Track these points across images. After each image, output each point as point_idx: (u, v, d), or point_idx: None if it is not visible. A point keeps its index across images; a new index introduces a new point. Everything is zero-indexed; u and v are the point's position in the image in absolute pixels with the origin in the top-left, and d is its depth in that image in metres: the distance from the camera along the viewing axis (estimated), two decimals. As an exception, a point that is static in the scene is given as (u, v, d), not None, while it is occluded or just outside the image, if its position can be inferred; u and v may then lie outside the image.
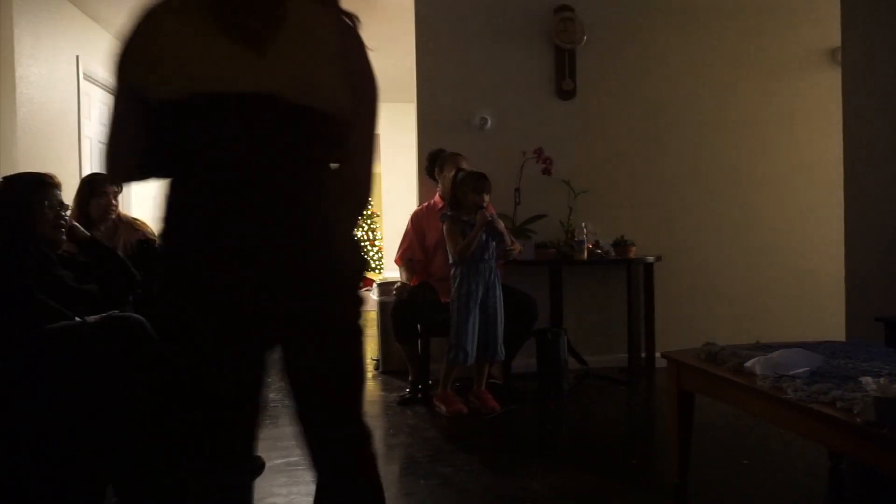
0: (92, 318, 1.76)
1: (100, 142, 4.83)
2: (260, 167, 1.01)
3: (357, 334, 1.13)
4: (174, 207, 1.08)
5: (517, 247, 3.28)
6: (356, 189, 1.15)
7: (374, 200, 8.80)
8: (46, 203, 1.98)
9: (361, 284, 1.17)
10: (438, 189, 3.52)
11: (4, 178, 2.06)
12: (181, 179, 1.07)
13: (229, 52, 0.99)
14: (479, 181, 3.04)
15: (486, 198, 3.05)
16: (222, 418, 1.10)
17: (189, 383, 1.07)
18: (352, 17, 1.12)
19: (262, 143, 1.01)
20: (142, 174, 1.15)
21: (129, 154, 1.10)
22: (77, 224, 2.16)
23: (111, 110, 1.11)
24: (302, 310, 1.05)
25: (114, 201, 2.97)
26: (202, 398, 1.06)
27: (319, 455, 1.13)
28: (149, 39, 1.02)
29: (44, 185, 2.00)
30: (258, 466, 1.93)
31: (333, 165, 1.11)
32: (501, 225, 3.10)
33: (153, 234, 3.16)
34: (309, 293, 1.05)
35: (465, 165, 3.32)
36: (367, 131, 1.15)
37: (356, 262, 1.17)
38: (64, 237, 2.07)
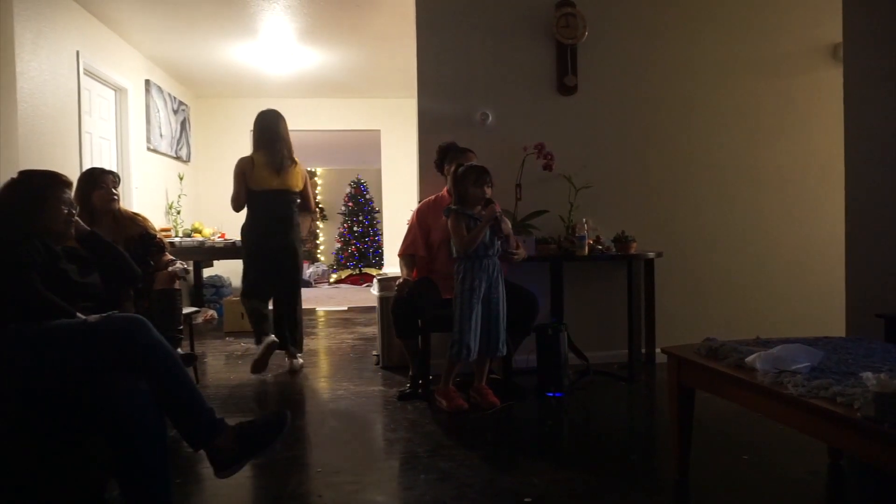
0: (93, 318, 1.76)
1: (100, 137, 4.83)
2: (279, 210, 3.81)
3: (298, 256, 3.89)
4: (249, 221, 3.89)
5: (522, 252, 3.24)
6: (307, 211, 4.01)
7: (374, 198, 9.20)
8: (61, 199, 2.03)
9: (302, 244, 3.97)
10: (447, 184, 3.51)
11: (20, 172, 2.10)
12: (254, 210, 3.83)
13: (272, 176, 3.75)
14: (479, 174, 3.03)
15: (489, 190, 3.04)
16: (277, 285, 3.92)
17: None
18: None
19: (280, 202, 3.80)
20: (241, 208, 3.86)
21: (240, 202, 3.84)
22: (78, 219, 2.16)
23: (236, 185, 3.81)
24: (287, 249, 3.82)
25: (113, 190, 2.98)
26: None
27: (282, 296, 3.97)
28: (250, 165, 3.77)
29: (59, 182, 2.05)
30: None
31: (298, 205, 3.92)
32: (508, 226, 3.09)
33: (153, 229, 3.17)
34: (290, 246, 3.82)
35: (474, 162, 3.30)
36: (309, 195, 3.97)
37: (299, 240, 3.92)
38: (73, 232, 2.10)
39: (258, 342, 3.75)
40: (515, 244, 3.20)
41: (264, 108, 3.87)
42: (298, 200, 3.88)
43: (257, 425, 1.82)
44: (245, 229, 3.84)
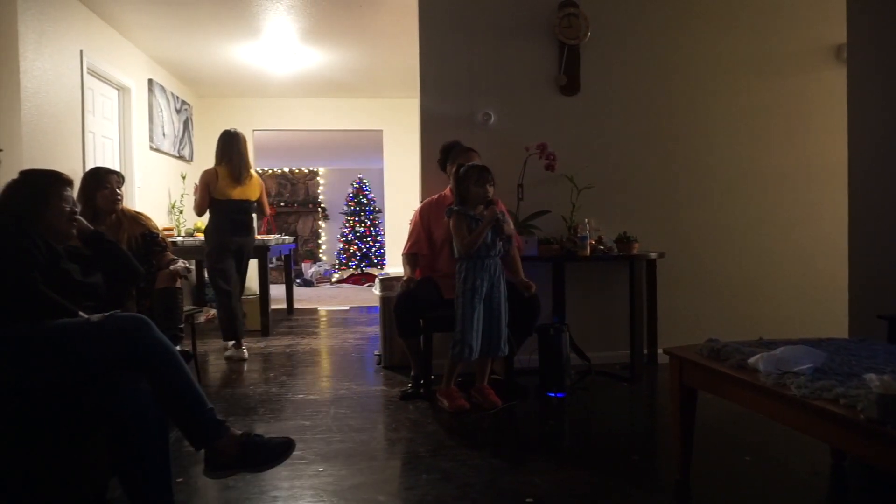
0: (95, 317, 1.76)
1: (103, 136, 4.83)
2: (238, 216, 4.31)
3: (250, 255, 4.52)
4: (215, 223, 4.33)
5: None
6: (261, 215, 4.65)
7: (376, 197, 9.44)
8: (63, 198, 2.03)
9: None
10: (450, 184, 3.51)
11: (22, 171, 2.10)
12: (217, 216, 4.29)
13: (232, 187, 4.25)
14: (480, 174, 3.03)
15: (491, 189, 3.04)
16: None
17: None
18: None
19: (239, 210, 4.29)
20: (202, 214, 4.34)
21: (202, 209, 4.29)
22: (80, 218, 2.17)
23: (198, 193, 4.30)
24: (242, 249, 4.36)
25: (117, 190, 2.98)
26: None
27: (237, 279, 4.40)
28: (214, 177, 4.23)
29: (61, 180, 2.05)
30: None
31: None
32: (511, 227, 3.08)
33: (156, 228, 3.17)
34: (245, 247, 4.40)
35: (477, 162, 3.29)
36: (264, 202, 4.50)
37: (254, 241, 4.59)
38: (75, 232, 2.11)
39: (234, 339, 4.28)
40: (518, 244, 3.20)
41: (227, 128, 4.41)
42: (256, 206, 4.48)
43: (264, 443, 1.84)
44: (209, 231, 4.35)
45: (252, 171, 4.39)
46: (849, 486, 2.19)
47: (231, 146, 4.26)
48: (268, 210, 4.55)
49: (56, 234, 2.03)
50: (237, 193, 4.26)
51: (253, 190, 4.36)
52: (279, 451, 1.85)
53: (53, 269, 1.94)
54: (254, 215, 4.50)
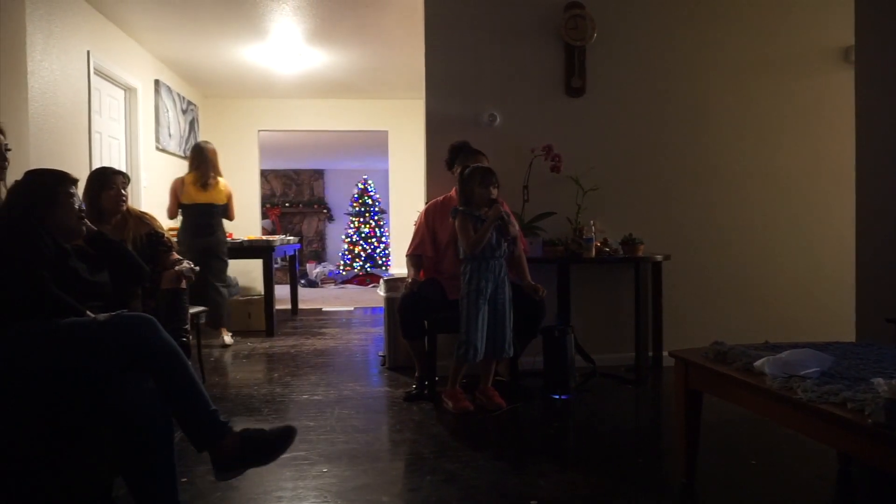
0: (102, 317, 1.76)
1: (110, 136, 4.86)
2: (203, 219, 4.72)
3: (219, 252, 4.84)
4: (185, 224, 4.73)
5: (524, 244, 3.22)
6: (228, 218, 4.91)
7: (381, 198, 9.50)
8: (71, 196, 2.04)
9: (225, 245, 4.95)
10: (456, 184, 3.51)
11: (28, 171, 2.11)
12: (185, 219, 4.76)
13: (199, 192, 4.70)
14: (485, 175, 3.03)
15: (495, 191, 3.03)
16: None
17: None
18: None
19: (204, 213, 4.72)
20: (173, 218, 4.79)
21: (173, 213, 4.80)
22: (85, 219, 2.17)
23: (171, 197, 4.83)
24: (209, 249, 4.70)
25: (123, 192, 2.99)
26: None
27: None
28: (182, 186, 4.73)
29: (68, 179, 2.07)
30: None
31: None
32: (516, 228, 3.07)
33: (161, 228, 3.18)
34: (211, 246, 4.74)
35: (485, 164, 3.29)
36: (231, 207, 4.88)
37: (221, 241, 4.88)
38: (84, 229, 2.11)
39: (216, 327, 4.85)
40: (524, 246, 3.19)
41: (198, 141, 5.10)
42: (221, 210, 4.89)
43: (265, 435, 1.83)
44: (180, 232, 4.78)
45: (219, 179, 4.83)
46: (855, 492, 2.17)
47: (199, 157, 4.80)
48: (233, 216, 4.98)
49: (66, 231, 2.04)
50: (203, 198, 4.75)
51: (219, 195, 4.81)
52: (281, 440, 1.83)
53: (62, 268, 1.95)
54: (222, 218, 4.92)
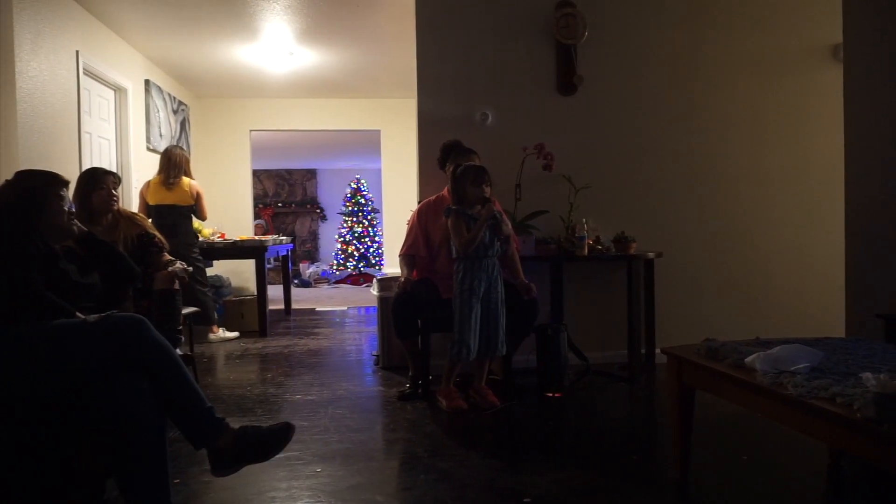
0: (93, 318, 1.75)
1: (100, 137, 4.83)
2: (168, 219, 4.68)
3: (185, 253, 4.62)
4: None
5: (517, 242, 3.24)
6: (200, 218, 4.97)
7: (374, 198, 9.55)
8: (61, 197, 2.03)
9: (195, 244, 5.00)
10: (448, 183, 3.50)
11: (17, 172, 2.09)
12: (153, 220, 4.30)
13: (164, 193, 4.80)
14: (477, 174, 3.03)
15: (488, 189, 3.03)
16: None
17: None
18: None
19: (169, 213, 4.76)
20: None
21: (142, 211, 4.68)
22: (75, 220, 2.16)
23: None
24: (177, 249, 3.90)
25: (113, 192, 2.98)
26: None
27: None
28: (148, 187, 4.88)
29: (58, 180, 2.06)
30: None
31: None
32: (509, 227, 3.08)
33: (153, 229, 3.17)
34: (173, 245, 3.63)
35: (477, 163, 3.29)
36: (201, 206, 4.91)
37: (187, 243, 4.85)
38: (75, 230, 2.10)
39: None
40: (517, 245, 3.19)
41: (168, 146, 5.19)
42: (187, 210, 4.95)
43: (261, 433, 1.82)
44: None
45: (183, 178, 4.90)
46: (846, 485, 2.19)
47: (166, 159, 4.92)
48: (205, 215, 5.04)
49: (56, 232, 2.03)
50: (167, 199, 4.85)
51: (183, 195, 4.87)
52: (279, 437, 1.83)
53: (52, 269, 1.94)
54: (189, 220, 4.98)
